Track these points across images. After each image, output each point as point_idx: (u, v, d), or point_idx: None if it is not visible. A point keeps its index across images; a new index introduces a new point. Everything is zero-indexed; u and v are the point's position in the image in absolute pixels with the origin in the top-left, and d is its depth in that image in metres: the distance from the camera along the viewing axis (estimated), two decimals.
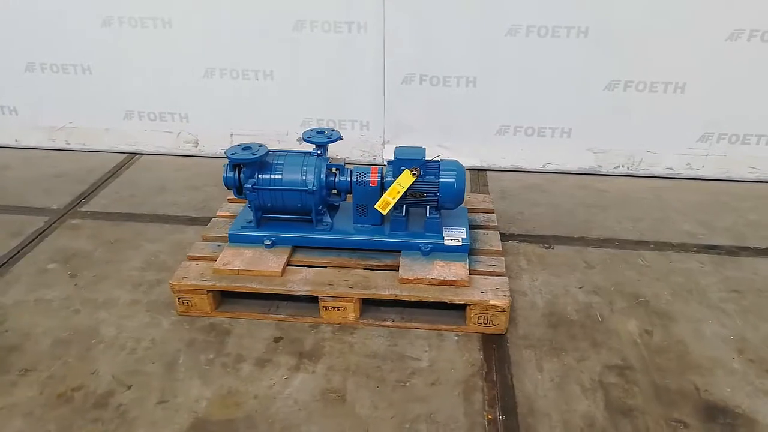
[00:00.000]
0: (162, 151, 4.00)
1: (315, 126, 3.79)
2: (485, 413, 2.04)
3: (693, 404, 2.07)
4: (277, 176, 2.53)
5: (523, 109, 3.62)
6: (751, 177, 3.63)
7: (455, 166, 2.53)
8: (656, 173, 3.68)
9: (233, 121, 3.87)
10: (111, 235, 3.09)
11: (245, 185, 2.50)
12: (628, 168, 3.69)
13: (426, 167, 2.50)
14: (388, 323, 2.43)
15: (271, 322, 2.47)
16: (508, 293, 2.36)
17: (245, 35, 3.57)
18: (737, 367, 2.23)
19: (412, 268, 2.46)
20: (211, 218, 3.20)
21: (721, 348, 2.33)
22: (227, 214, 2.95)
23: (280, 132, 3.86)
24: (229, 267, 2.47)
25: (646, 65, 3.40)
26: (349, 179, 2.58)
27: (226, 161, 2.62)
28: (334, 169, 2.60)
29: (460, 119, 3.68)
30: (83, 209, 3.36)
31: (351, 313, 2.42)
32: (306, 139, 2.65)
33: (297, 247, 2.63)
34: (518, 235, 3.10)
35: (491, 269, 2.52)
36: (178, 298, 2.45)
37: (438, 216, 2.58)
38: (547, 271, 2.79)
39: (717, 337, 2.39)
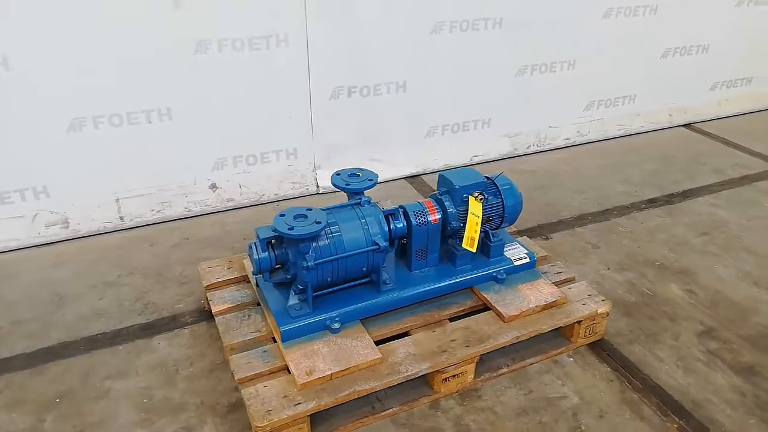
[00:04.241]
0: (13, 245, 2.78)
1: (231, 167, 3.11)
2: (668, 424, 1.97)
3: None
4: (338, 242, 1.97)
5: (449, 106, 3.52)
6: (620, 133, 4.21)
7: (508, 181, 2.33)
8: (557, 145, 4.00)
9: (119, 181, 2.89)
10: (45, 391, 2.05)
11: (306, 264, 1.89)
12: (537, 146, 3.92)
13: (484, 189, 2.25)
14: (504, 370, 2.15)
15: (382, 420, 1.96)
16: (602, 297, 2.30)
17: (128, 68, 2.65)
18: None
19: (506, 302, 2.21)
20: (168, 318, 2.43)
21: (742, 286, 2.67)
22: (229, 306, 2.22)
23: (186, 182, 3.03)
24: (318, 375, 1.86)
25: (547, 48, 3.62)
26: (405, 223, 2.16)
27: (255, 240, 1.97)
28: (386, 216, 2.15)
29: (392, 128, 3.41)
30: None
31: (470, 375, 2.07)
32: (344, 188, 2.14)
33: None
34: (512, 233, 3.04)
35: (564, 277, 2.43)
36: None
37: (500, 238, 2.36)
38: (569, 262, 2.81)
39: (732, 277, 2.73)
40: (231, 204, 3.17)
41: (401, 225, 2.15)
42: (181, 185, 3.03)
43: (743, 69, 4.51)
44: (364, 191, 2.16)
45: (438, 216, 2.19)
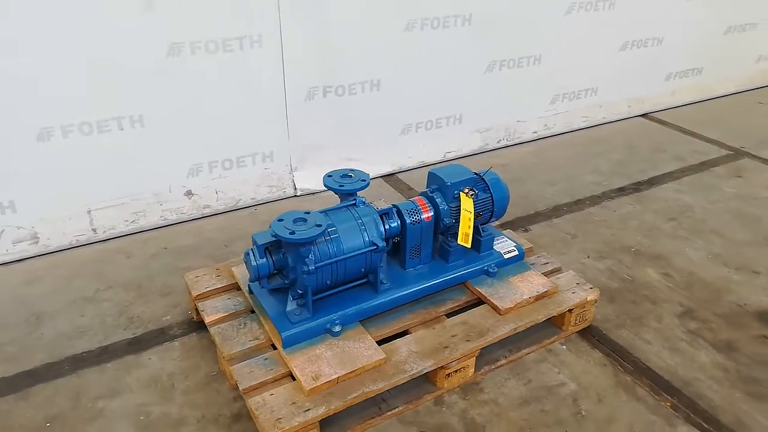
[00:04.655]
0: None
1: (206, 173, 3.03)
2: (662, 403, 2.06)
3: (751, 318, 2.47)
4: (336, 244, 1.96)
5: (422, 104, 3.54)
6: (585, 125, 4.33)
7: (495, 176, 2.36)
8: (526, 138, 4.08)
9: (90, 192, 2.77)
10: (34, 416, 1.95)
11: (307, 268, 1.87)
12: (507, 140, 3.99)
13: (474, 185, 2.28)
14: (502, 362, 2.19)
15: (389, 420, 1.96)
16: (590, 285, 2.37)
17: (98, 73, 2.55)
18: (738, 278, 2.72)
19: (500, 295, 2.25)
20: (156, 331, 2.36)
21: (713, 267, 2.80)
22: (222, 315, 2.17)
23: (161, 190, 2.94)
24: (325, 380, 1.85)
25: (514, 44, 3.68)
26: (399, 222, 2.17)
27: (252, 247, 1.93)
28: (380, 215, 2.14)
29: (367, 127, 3.40)
30: None
31: (471, 369, 2.10)
32: (337, 189, 2.12)
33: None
34: (496, 226, 3.09)
35: (551, 267, 2.48)
36: None
37: (489, 232, 2.40)
38: (551, 252, 2.87)
39: (702, 259, 2.86)
40: (207, 211, 3.09)
41: (395, 224, 2.16)
42: (156, 193, 2.93)
43: (694, 60, 4.72)
44: (358, 192, 2.15)
45: (431, 213, 2.20)
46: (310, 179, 3.29)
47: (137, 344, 2.28)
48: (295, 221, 1.85)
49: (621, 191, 3.50)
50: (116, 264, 2.74)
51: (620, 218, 3.21)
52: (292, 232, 1.80)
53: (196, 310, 2.31)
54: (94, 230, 2.83)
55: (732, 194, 3.48)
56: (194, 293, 2.27)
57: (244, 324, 2.13)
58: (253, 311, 2.19)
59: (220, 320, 2.15)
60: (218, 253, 2.85)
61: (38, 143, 2.55)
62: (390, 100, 3.38)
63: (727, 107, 4.89)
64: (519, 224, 3.13)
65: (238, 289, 2.32)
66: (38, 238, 2.73)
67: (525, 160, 3.88)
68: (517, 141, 4.05)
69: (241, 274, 2.31)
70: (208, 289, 2.29)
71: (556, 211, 3.28)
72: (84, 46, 2.48)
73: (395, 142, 3.55)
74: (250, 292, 2.19)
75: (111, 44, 2.53)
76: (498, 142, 3.96)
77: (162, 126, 2.80)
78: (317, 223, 1.85)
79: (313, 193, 3.34)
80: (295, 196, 3.32)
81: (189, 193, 3.01)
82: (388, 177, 3.59)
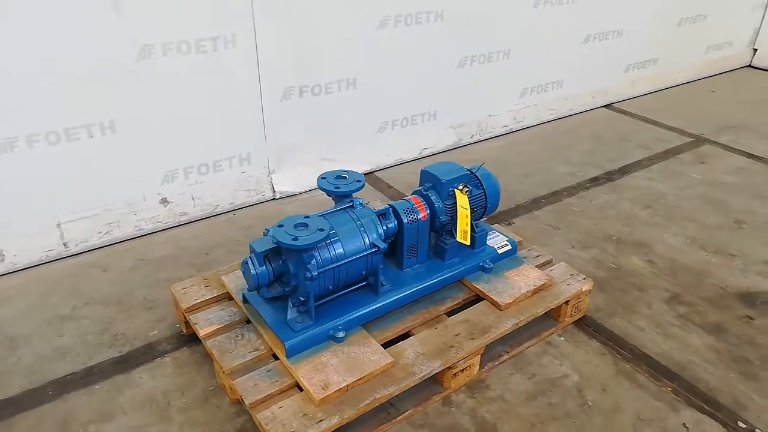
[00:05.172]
0: None
1: (182, 179, 2.91)
2: (663, 388, 2.10)
3: (733, 299, 2.55)
4: (337, 248, 1.90)
5: (398, 101, 3.51)
6: (552, 117, 4.40)
7: (486, 172, 2.36)
8: (497, 133, 4.11)
9: (59, 204, 2.61)
10: None
11: (309, 274, 1.80)
12: (479, 135, 4.00)
13: (468, 181, 2.26)
14: (505, 358, 2.19)
15: (400, 425, 1.92)
16: (583, 275, 2.39)
17: (65, 78, 2.40)
18: (716, 261, 2.82)
19: (498, 290, 2.24)
20: (143, 348, 2.26)
21: (692, 252, 2.89)
22: (217, 327, 2.08)
23: (134, 199, 2.80)
24: (335, 388, 1.79)
25: (484, 39, 3.69)
26: (396, 222, 2.13)
27: (250, 255, 1.85)
28: (377, 216, 2.10)
29: (344, 126, 3.34)
30: None
31: (476, 367, 2.08)
32: (332, 191, 2.05)
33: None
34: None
35: (543, 260, 2.50)
36: None
37: (482, 228, 2.39)
38: (536, 244, 2.89)
39: (681, 244, 2.94)
40: (184, 218, 2.97)
41: (392, 224, 2.12)
42: (129, 203, 2.79)
43: (650, 51, 4.87)
44: (353, 193, 2.09)
45: (427, 212, 2.17)
46: (289, 181, 3.21)
47: (125, 362, 2.16)
48: (296, 227, 1.79)
49: (595, 181, 3.57)
50: (92, 279, 2.59)
51: (598, 208, 3.27)
52: (295, 238, 1.74)
53: (185, 323, 2.21)
54: (65, 244, 2.67)
55: (699, 180, 3.60)
56: (184, 306, 2.17)
57: (242, 335, 2.04)
58: (248, 321, 2.11)
59: (215, 333, 2.06)
60: (199, 261, 2.74)
61: (1, 155, 2.38)
62: (366, 99, 3.34)
63: (682, 96, 5.07)
64: (502, 218, 3.14)
65: (230, 299, 2.23)
66: (5, 255, 2.55)
67: (499, 154, 3.90)
68: (489, 135, 4.07)
69: (232, 283, 2.22)
70: (198, 301, 2.19)
71: (536, 203, 3.31)
72: (49, 49, 2.33)
73: (372, 141, 3.50)
74: (245, 301, 2.11)
75: (78, 47, 2.38)
76: (471, 137, 3.97)
77: (134, 132, 2.66)
78: (319, 227, 1.79)
79: (292, 195, 3.26)
80: (274, 199, 3.23)
81: (164, 201, 2.88)
82: (367, 176, 3.54)
